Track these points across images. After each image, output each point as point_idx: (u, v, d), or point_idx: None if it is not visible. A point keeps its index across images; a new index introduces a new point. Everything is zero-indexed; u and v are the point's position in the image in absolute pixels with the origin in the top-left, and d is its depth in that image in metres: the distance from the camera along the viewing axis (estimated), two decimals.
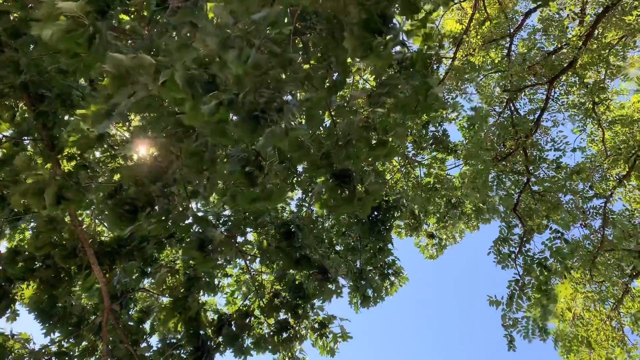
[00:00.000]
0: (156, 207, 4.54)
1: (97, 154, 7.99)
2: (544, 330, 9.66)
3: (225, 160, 4.81)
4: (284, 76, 4.28)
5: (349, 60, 5.53)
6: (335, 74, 5.15)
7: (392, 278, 10.14)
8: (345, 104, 5.75)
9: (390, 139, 5.34)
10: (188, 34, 3.70)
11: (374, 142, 5.04)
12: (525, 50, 11.65)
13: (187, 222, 5.50)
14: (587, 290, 12.71)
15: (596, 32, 10.59)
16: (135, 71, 3.02)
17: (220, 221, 8.42)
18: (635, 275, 12.09)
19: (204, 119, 3.13)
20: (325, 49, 5.03)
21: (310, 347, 9.45)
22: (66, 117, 7.20)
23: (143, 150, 5.42)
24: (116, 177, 6.32)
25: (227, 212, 8.52)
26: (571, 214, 11.26)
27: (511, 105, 12.07)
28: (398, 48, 5.20)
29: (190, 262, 8.11)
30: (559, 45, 11.02)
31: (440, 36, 12.17)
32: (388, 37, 3.66)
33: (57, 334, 7.99)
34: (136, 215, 4.40)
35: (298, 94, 5.22)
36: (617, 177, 12.10)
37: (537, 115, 11.44)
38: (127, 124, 8.31)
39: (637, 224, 12.33)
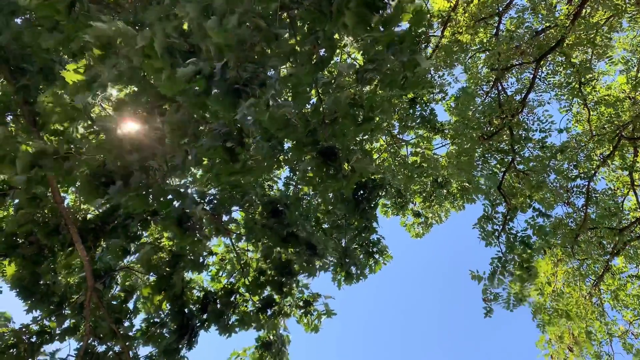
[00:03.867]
0: (133, 180, 4.46)
1: (81, 129, 7.84)
2: (523, 298, 9.83)
3: (207, 134, 4.74)
4: (269, 51, 4.18)
5: (336, 36, 5.44)
6: (322, 50, 5.06)
7: (377, 256, 10.21)
8: (333, 81, 5.68)
9: (377, 118, 5.29)
10: (169, 4, 3.59)
11: (360, 119, 4.99)
12: (514, 29, 11.59)
13: (167, 197, 5.43)
14: (569, 267, 12.93)
15: (584, 11, 10.55)
16: (117, 42, 2.92)
17: (206, 199, 8.36)
18: (616, 253, 12.30)
19: (180, 87, 3.04)
20: (313, 24, 4.93)
21: (295, 325, 9.55)
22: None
23: (125, 125, 5.32)
24: (99, 153, 6.21)
25: (212, 191, 8.46)
26: (555, 192, 11.37)
27: (498, 84, 12.05)
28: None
29: (173, 239, 8.07)
30: (547, 25, 10.96)
31: (429, 14, 12.05)
32: (387, 15, 3.60)
33: (38, 313, 7.94)
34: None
35: (283, 70, 5.13)
36: (601, 156, 12.20)
37: (524, 94, 11.44)
38: (109, 98, 8.14)
39: (619, 202, 12.51)
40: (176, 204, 5.87)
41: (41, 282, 7.81)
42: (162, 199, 5.18)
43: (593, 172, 12.06)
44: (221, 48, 3.09)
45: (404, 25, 5.50)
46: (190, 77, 3.02)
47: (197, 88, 3.09)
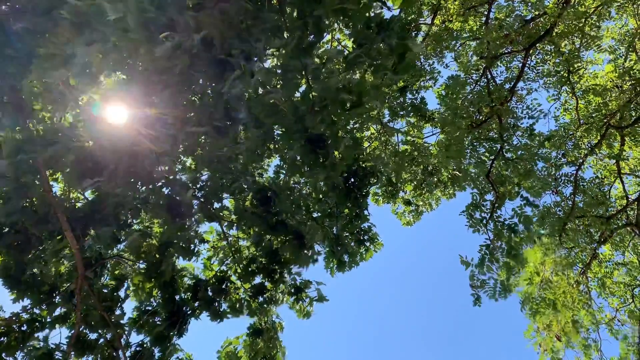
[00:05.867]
0: (122, 166, 4.44)
1: (69, 117, 7.77)
2: (508, 288, 9.94)
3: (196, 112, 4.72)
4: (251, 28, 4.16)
5: (326, 21, 5.43)
6: (312, 36, 5.05)
7: (368, 244, 10.26)
8: (322, 68, 5.66)
9: (367, 104, 5.28)
10: None
11: (349, 104, 4.99)
12: (503, 17, 11.61)
13: (157, 184, 5.41)
14: (557, 255, 13.09)
15: (573, 0, 10.59)
16: (93, 18, 2.89)
17: (197, 186, 8.34)
18: (603, 241, 12.47)
19: (163, 64, 3.01)
20: (302, 8, 4.92)
21: (287, 311, 9.60)
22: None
23: (113, 111, 5.28)
24: (90, 143, 6.17)
25: (204, 177, 8.43)
26: (543, 181, 11.46)
27: (488, 73, 12.09)
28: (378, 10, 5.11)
29: (163, 226, 8.04)
30: (537, 13, 11.00)
31: (419, 2, 12.03)
32: None
33: (29, 302, 7.90)
34: (101, 173, 4.30)
35: (270, 54, 5.11)
36: (588, 145, 12.32)
37: (513, 83, 11.50)
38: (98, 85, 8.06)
39: (606, 191, 12.65)
40: (165, 190, 5.85)
41: (28, 271, 7.76)
42: (151, 185, 5.16)
43: (581, 160, 12.18)
44: (200, 21, 3.07)
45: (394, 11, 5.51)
46: (170, 54, 2.99)
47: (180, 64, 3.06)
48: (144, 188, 5.22)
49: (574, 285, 12.97)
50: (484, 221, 10.43)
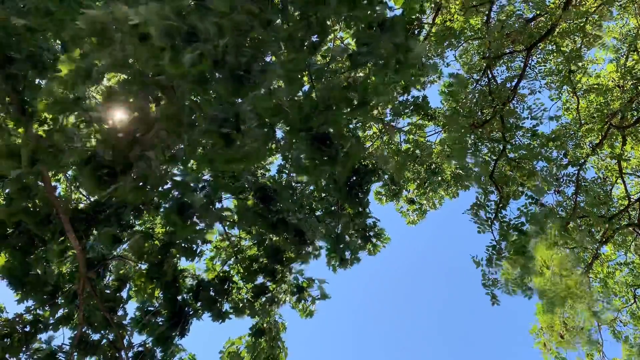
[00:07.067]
0: (134, 171, 4.43)
1: (72, 118, 7.75)
2: (527, 287, 9.91)
3: (202, 123, 4.71)
4: (262, 37, 4.16)
5: (328, 22, 5.43)
6: (315, 36, 5.05)
7: (374, 240, 10.27)
8: (326, 67, 5.66)
9: (372, 101, 5.28)
10: None
11: (355, 103, 4.99)
12: (505, 17, 11.60)
13: (166, 187, 5.41)
14: (562, 253, 13.06)
15: None
16: (111, 28, 2.89)
17: (199, 186, 8.34)
18: (605, 241, 12.45)
19: (183, 70, 3.02)
20: (305, 9, 4.92)
21: (290, 311, 9.62)
22: (37, 80, 6.96)
23: (119, 114, 5.27)
24: (92, 142, 6.15)
25: (206, 177, 8.44)
26: (545, 180, 11.45)
27: (489, 72, 12.07)
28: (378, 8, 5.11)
29: (170, 227, 8.04)
30: (538, 12, 10.99)
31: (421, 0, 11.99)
32: None
33: (32, 303, 7.91)
34: (115, 178, 4.30)
35: (280, 57, 5.11)
36: (590, 145, 12.31)
37: (515, 82, 11.48)
38: (100, 86, 8.06)
39: (608, 191, 12.64)
40: (175, 193, 5.85)
41: (32, 271, 7.76)
42: (160, 188, 5.16)
43: (583, 160, 12.16)
44: (222, 27, 3.07)
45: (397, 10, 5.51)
46: (195, 63, 3.00)
47: (201, 70, 3.07)
48: (154, 191, 5.22)
49: (578, 285, 12.93)
50: (489, 221, 10.40)
